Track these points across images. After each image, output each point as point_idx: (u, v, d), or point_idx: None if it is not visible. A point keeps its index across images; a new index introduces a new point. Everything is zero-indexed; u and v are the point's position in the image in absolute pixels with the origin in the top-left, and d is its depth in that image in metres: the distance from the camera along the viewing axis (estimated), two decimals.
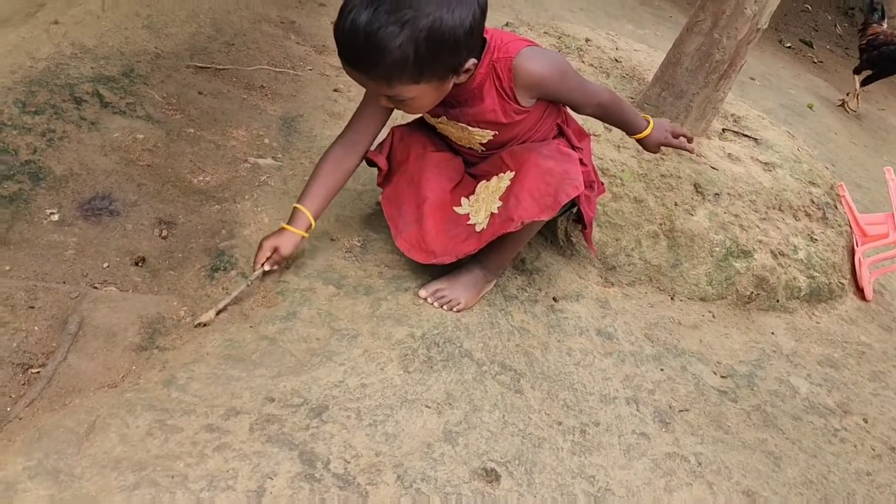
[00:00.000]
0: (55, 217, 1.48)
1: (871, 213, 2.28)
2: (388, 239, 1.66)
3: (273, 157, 1.85)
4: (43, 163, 1.56)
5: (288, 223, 1.46)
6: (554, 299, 1.68)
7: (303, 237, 1.46)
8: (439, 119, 1.51)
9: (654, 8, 4.33)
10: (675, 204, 1.88)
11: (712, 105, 2.10)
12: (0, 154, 1.52)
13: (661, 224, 1.85)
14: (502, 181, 1.48)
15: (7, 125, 1.58)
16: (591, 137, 1.74)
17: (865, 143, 3.35)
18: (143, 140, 1.73)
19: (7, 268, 1.34)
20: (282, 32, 2.37)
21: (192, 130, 1.83)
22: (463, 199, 1.54)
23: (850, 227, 2.18)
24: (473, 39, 1.29)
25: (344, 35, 1.22)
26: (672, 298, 1.83)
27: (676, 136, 1.62)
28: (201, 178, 1.71)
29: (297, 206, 1.47)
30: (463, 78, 1.34)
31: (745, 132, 2.27)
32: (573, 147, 1.57)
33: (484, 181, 1.53)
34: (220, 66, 2.08)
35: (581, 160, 1.53)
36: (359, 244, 1.63)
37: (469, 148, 1.57)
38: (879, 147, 3.33)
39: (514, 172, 1.47)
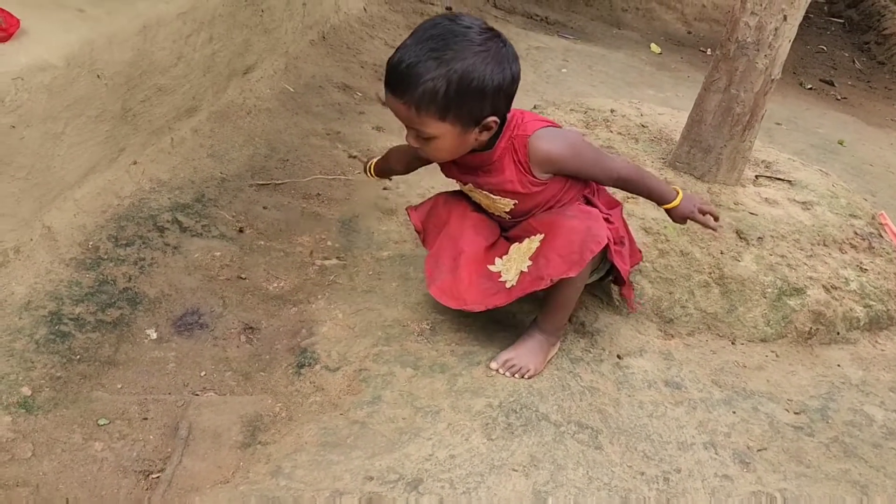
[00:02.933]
0: (154, 335, 1.63)
1: None
2: (454, 319, 1.77)
3: (337, 258, 2.00)
4: (138, 288, 1.73)
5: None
6: (618, 357, 1.76)
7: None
8: (467, 186, 1.67)
9: (672, 71, 4.50)
10: (721, 252, 1.96)
11: (741, 155, 2.20)
12: (102, 285, 1.70)
13: (710, 273, 1.92)
14: (533, 243, 1.61)
15: (104, 259, 1.76)
16: (631, 200, 1.85)
17: None
18: (220, 257, 1.89)
19: (119, 386, 1.49)
20: (329, 143, 2.57)
21: (262, 242, 1.99)
22: (497, 259, 1.67)
23: None
24: (499, 99, 1.46)
25: (391, 65, 1.43)
26: (733, 343, 1.88)
27: (703, 214, 1.70)
28: (276, 285, 1.86)
29: (373, 162, 1.94)
30: (484, 137, 1.50)
31: (778, 175, 2.36)
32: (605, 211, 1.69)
33: (517, 243, 1.66)
34: (279, 182, 2.26)
35: (607, 218, 1.65)
36: (428, 327, 1.75)
37: (497, 215, 1.71)
38: None
39: (543, 235, 1.59)
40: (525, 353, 1.64)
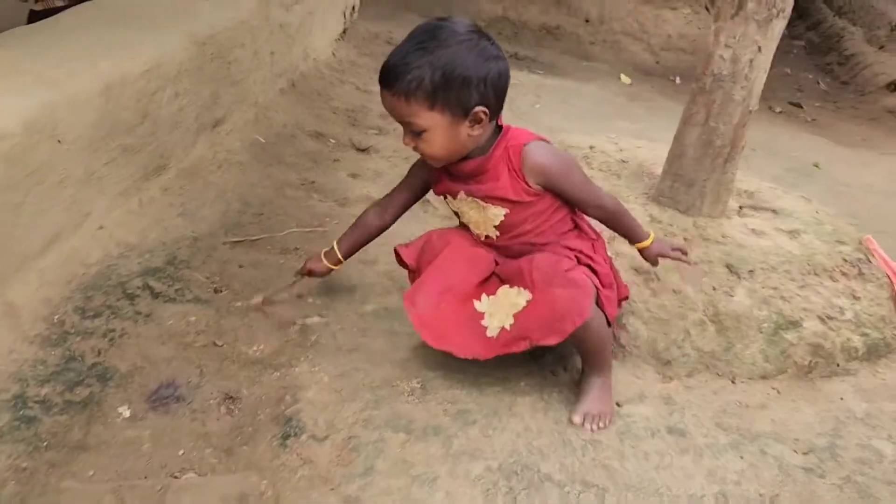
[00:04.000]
0: (126, 413, 1.53)
1: None
2: (445, 375, 1.69)
3: (319, 315, 1.91)
4: (108, 363, 1.63)
5: (324, 254, 1.85)
6: (618, 404, 1.69)
7: (330, 268, 1.85)
8: (458, 197, 1.66)
9: (644, 101, 4.52)
10: (714, 288, 1.91)
11: (724, 187, 2.17)
12: (69, 362, 1.60)
13: (704, 311, 1.87)
14: (520, 298, 1.60)
15: (71, 333, 1.67)
16: (621, 239, 1.80)
17: (882, 191, 3.39)
18: (195, 322, 1.80)
19: (91, 473, 1.38)
20: (304, 194, 2.50)
21: (238, 304, 1.90)
22: (484, 296, 1.65)
23: (889, 278, 2.18)
24: (486, 90, 1.50)
25: (385, 63, 1.50)
26: (733, 382, 1.82)
27: (674, 250, 1.74)
28: (256, 348, 1.77)
29: (334, 244, 1.85)
30: (476, 132, 1.53)
31: (762, 205, 2.33)
32: (592, 239, 1.70)
33: (507, 286, 1.64)
34: (254, 238, 2.19)
35: (594, 269, 1.64)
36: (419, 385, 1.67)
37: (486, 237, 1.70)
38: (895, 192, 3.38)
39: (531, 296, 1.58)
40: (596, 401, 1.63)
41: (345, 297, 2.00)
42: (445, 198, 1.72)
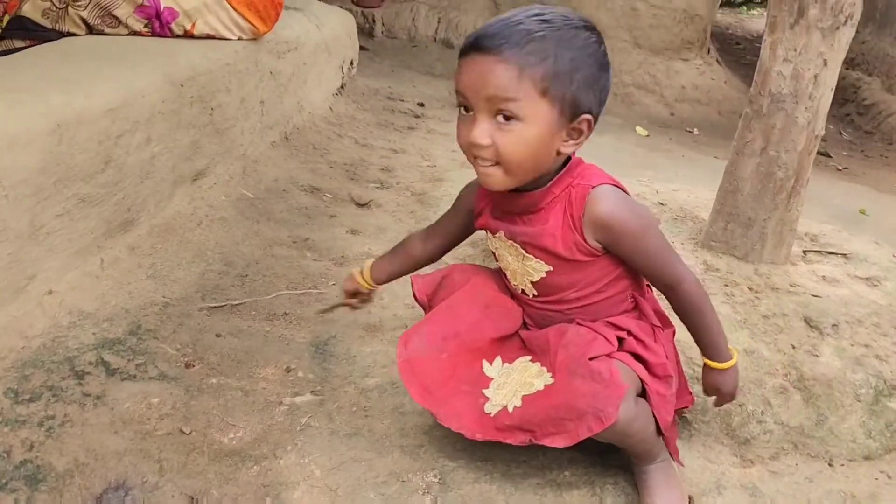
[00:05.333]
0: None
1: None
2: (469, 465, 1.34)
3: (311, 392, 1.57)
4: (42, 459, 1.28)
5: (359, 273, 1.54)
6: (690, 499, 1.32)
7: (373, 288, 1.55)
8: (497, 235, 1.32)
9: (664, 151, 4.25)
10: (793, 347, 1.57)
11: (788, 227, 1.85)
12: None
13: (785, 375, 1.52)
14: (539, 379, 1.25)
15: None
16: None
17: None
18: (158, 404, 1.46)
19: None
20: (296, 252, 2.18)
21: (214, 380, 1.56)
22: (498, 359, 1.33)
23: None
24: (600, 100, 1.19)
25: (479, 30, 1.15)
26: (830, 465, 1.46)
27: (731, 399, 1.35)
28: (232, 436, 1.42)
29: (365, 265, 1.54)
30: (568, 148, 1.19)
31: (830, 249, 2.00)
32: (653, 326, 1.30)
33: (528, 358, 1.31)
34: (236, 302, 1.86)
35: (642, 357, 1.26)
36: (436, 480, 1.31)
37: (522, 291, 1.35)
38: None
39: (552, 380, 1.23)
40: (664, 497, 1.27)
41: (343, 371, 1.66)
42: (487, 233, 1.39)
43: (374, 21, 5.31)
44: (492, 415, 1.25)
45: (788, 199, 1.81)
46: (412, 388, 1.29)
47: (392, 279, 1.54)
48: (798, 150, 1.77)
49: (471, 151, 1.18)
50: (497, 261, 1.40)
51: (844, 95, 6.41)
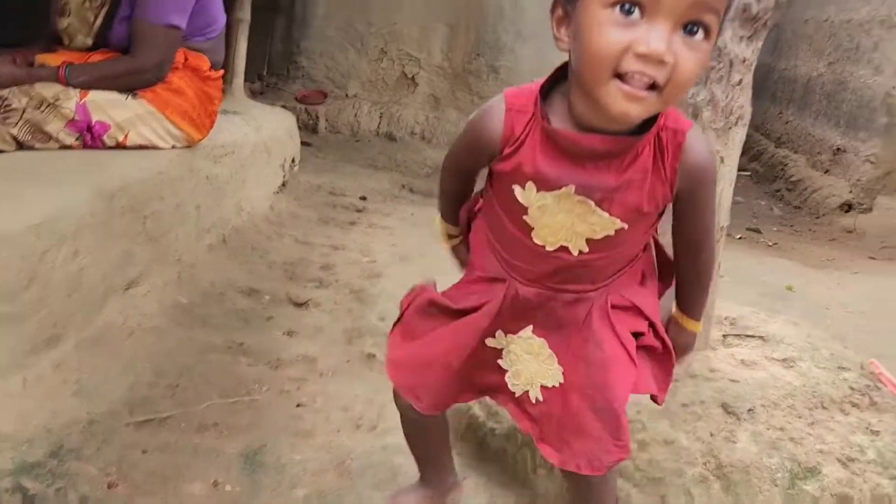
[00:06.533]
0: None
1: None
2: None
3: None
4: None
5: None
6: None
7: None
8: (561, 191, 1.06)
9: None
10: (711, 434, 1.61)
11: (706, 314, 1.92)
12: None
13: (705, 463, 1.56)
14: (548, 369, 1.18)
15: None
16: None
17: (861, 310, 3.20)
18: None
19: None
20: (230, 358, 2.18)
21: (138, 501, 1.54)
22: (499, 332, 1.20)
23: None
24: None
25: None
26: None
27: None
28: None
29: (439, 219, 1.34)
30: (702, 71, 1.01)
31: (748, 332, 2.08)
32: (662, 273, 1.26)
33: (529, 331, 1.19)
34: (165, 414, 1.84)
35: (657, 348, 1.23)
36: None
37: (560, 248, 1.11)
38: (879, 313, 3.18)
39: (563, 378, 1.17)
40: None
41: (271, 481, 1.64)
42: (507, 187, 1.11)
43: (317, 117, 5.45)
44: (516, 395, 1.21)
45: None
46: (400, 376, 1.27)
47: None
48: None
49: (628, 65, 0.92)
50: (512, 221, 1.14)
51: (774, 172, 6.72)
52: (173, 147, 2.49)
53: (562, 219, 1.09)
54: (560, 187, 1.06)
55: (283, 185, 3.68)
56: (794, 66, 7.13)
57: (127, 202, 2.19)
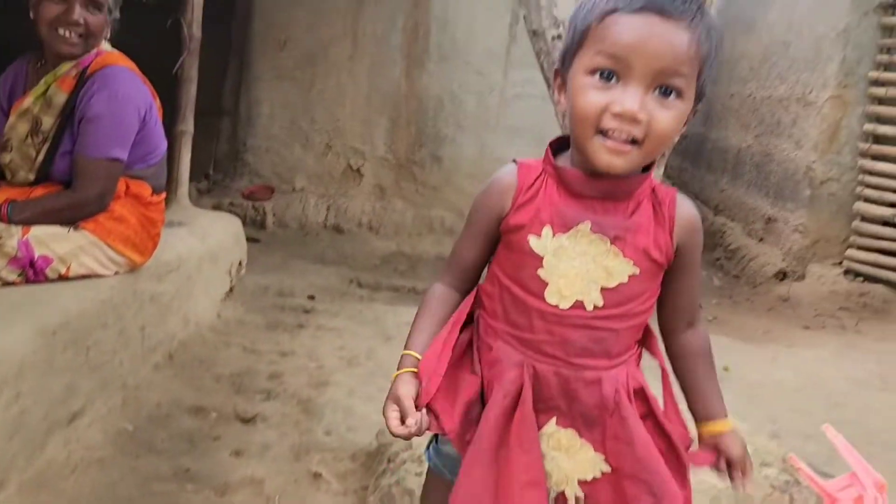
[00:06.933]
0: None
1: (833, 480, 2.13)
2: None
3: None
4: None
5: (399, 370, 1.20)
6: None
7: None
8: (578, 228, 1.13)
9: None
10: None
11: None
12: None
13: None
14: (586, 458, 1.15)
15: None
16: None
17: (794, 387, 3.34)
18: None
19: None
20: (176, 486, 2.19)
21: None
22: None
23: (824, 501, 2.01)
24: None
25: None
26: None
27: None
28: None
29: (407, 352, 1.21)
30: (680, 134, 1.17)
31: None
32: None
33: (553, 423, 1.17)
34: None
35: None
36: None
37: (575, 302, 1.13)
38: (811, 389, 3.33)
39: (608, 467, 1.15)
40: None
41: None
42: (519, 244, 1.15)
43: (265, 213, 5.55)
44: (550, 496, 1.16)
45: None
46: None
47: None
48: None
49: (606, 123, 1.06)
50: (524, 278, 1.15)
51: (714, 240, 6.96)
52: (116, 273, 2.54)
53: (578, 264, 1.12)
54: (577, 223, 1.13)
55: (231, 290, 3.73)
56: (725, 137, 7.49)
57: (69, 336, 2.22)
